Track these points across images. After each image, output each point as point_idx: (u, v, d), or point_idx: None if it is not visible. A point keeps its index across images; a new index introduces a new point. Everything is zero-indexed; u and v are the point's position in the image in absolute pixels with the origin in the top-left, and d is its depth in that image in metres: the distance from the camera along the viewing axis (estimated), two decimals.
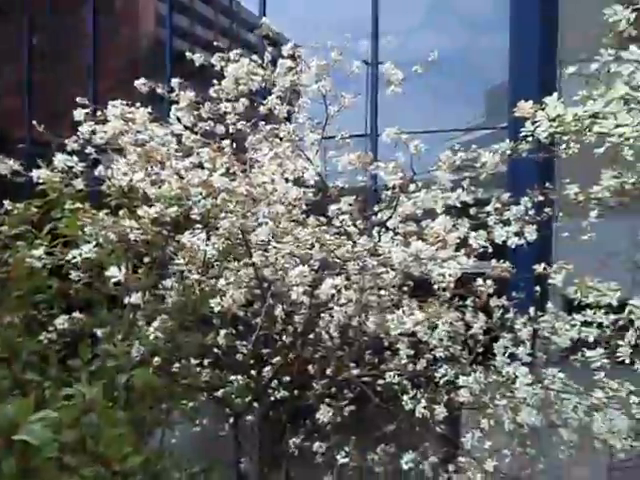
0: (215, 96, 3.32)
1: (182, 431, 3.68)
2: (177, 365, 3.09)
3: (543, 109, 2.10)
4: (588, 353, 2.71)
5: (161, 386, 2.67)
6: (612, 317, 2.91)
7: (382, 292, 2.97)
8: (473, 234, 3.01)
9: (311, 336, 3.38)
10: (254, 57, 3.24)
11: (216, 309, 2.69)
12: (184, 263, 2.83)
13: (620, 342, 2.88)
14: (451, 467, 3.50)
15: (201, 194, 2.61)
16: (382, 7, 9.29)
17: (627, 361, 2.77)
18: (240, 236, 2.71)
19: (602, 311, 2.99)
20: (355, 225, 3.06)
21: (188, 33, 11.56)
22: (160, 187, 2.83)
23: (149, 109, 3.14)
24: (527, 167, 5.34)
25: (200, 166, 2.82)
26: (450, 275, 2.25)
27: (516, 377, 2.57)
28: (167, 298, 3.07)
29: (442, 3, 10.16)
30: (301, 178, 2.78)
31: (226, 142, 3.16)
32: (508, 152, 3.11)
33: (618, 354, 2.78)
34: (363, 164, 2.87)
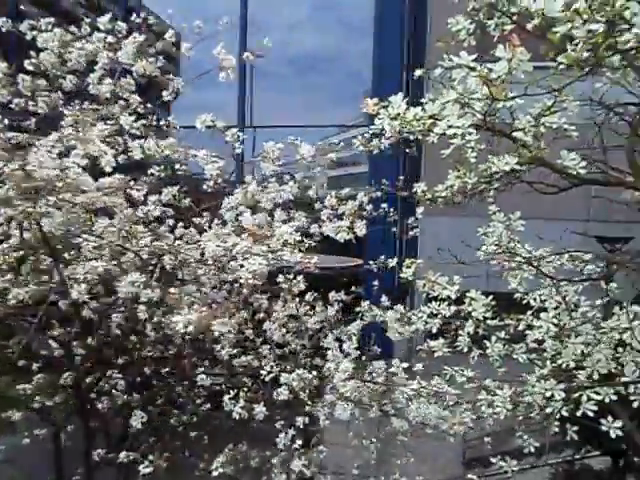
0: (35, 70, 3.03)
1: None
2: None
3: (386, 107, 2.14)
4: (431, 343, 2.85)
5: None
6: (453, 308, 3.09)
7: (202, 288, 2.89)
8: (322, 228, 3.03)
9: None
10: (72, 28, 3.01)
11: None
12: None
13: (461, 332, 3.07)
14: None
15: None
16: (254, 3, 9.22)
17: (465, 350, 2.95)
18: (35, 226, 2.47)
19: (446, 303, 3.16)
20: (187, 218, 2.95)
21: None
22: None
23: None
24: (390, 165, 5.57)
25: None
26: (253, 271, 2.22)
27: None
28: None
29: (324, 3, 10.32)
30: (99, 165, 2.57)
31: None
32: (361, 148, 3.17)
33: (457, 344, 2.95)
34: (185, 154, 2.76)
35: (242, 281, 2.16)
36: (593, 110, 2.42)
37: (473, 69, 1.98)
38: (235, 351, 3.10)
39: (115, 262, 2.23)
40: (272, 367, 2.77)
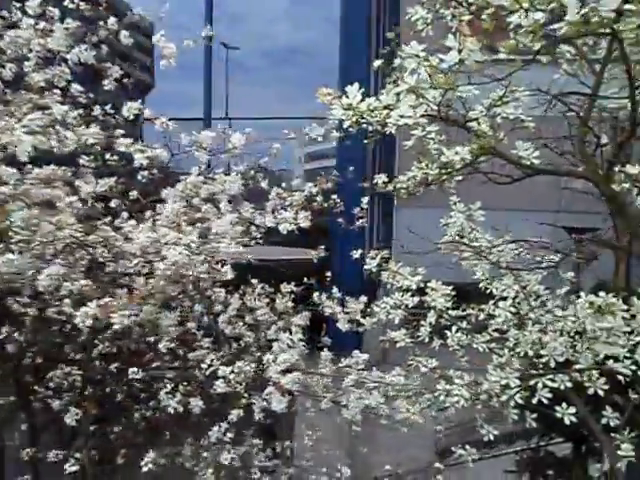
0: None
1: None
2: None
3: (339, 98, 2.12)
4: (392, 334, 2.86)
5: None
6: (416, 299, 3.10)
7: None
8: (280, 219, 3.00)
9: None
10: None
11: None
12: None
13: (423, 322, 3.09)
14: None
15: None
16: None
17: (427, 340, 2.97)
18: None
19: (409, 294, 3.18)
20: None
21: None
22: None
23: None
24: (358, 157, 5.55)
25: None
26: (175, 260, 2.17)
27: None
28: None
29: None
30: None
31: None
32: (320, 138, 3.16)
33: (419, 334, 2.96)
34: (107, 143, 2.70)
35: (159, 272, 2.13)
36: (539, 101, 2.44)
37: (425, 59, 1.97)
38: (173, 345, 3.07)
39: (37, 254, 2.18)
40: (212, 360, 2.75)
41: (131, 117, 2.69)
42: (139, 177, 2.91)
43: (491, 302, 3.15)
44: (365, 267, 3.54)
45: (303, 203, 3.26)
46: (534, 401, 2.44)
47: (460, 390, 2.47)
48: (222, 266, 2.87)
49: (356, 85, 2.43)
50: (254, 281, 3.54)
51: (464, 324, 3.08)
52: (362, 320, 3.03)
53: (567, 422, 2.42)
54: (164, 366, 3.07)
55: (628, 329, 2.23)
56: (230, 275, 2.72)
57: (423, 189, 3.03)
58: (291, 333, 2.59)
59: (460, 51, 1.93)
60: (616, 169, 2.79)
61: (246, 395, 2.51)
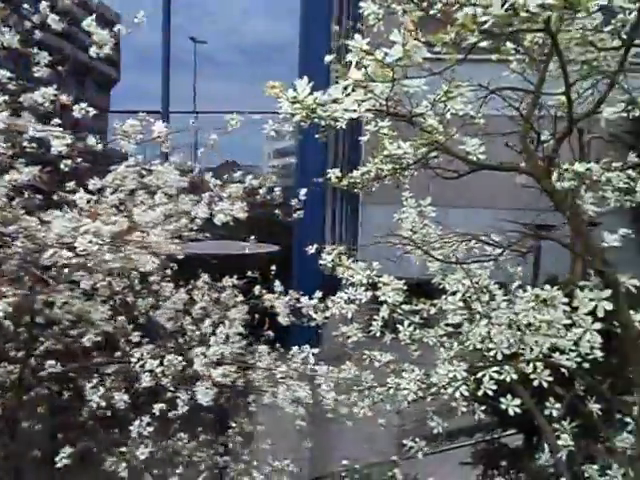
0: None
1: None
2: None
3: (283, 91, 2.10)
4: (343, 329, 2.87)
5: None
6: (369, 294, 3.12)
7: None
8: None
9: None
10: None
11: None
12: None
13: (376, 317, 3.11)
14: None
15: None
16: None
17: (378, 334, 2.99)
18: None
19: (363, 288, 3.19)
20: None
21: None
22: None
23: None
24: (318, 153, 5.55)
25: None
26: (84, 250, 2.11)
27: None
28: None
29: None
30: None
31: None
32: (272, 134, 3.14)
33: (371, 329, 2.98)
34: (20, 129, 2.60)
35: (64, 260, 2.08)
36: (477, 96, 2.48)
37: (369, 53, 1.97)
38: (99, 339, 3.03)
39: None
40: (142, 354, 2.72)
41: (47, 104, 2.62)
42: (62, 166, 2.84)
43: (443, 297, 3.18)
44: (320, 262, 3.55)
45: (241, 195, 3.23)
46: (480, 394, 2.48)
47: (409, 384, 2.49)
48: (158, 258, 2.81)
49: (305, 79, 2.43)
50: (205, 276, 3.52)
51: (416, 318, 3.11)
52: (314, 315, 3.04)
53: (512, 413, 2.47)
54: (93, 362, 3.01)
55: (569, 322, 2.27)
56: (150, 266, 2.68)
57: (378, 184, 3.06)
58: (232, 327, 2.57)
59: (405, 45, 1.94)
60: (564, 166, 2.86)
61: (172, 389, 2.49)
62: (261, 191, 3.35)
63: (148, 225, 2.34)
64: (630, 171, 2.95)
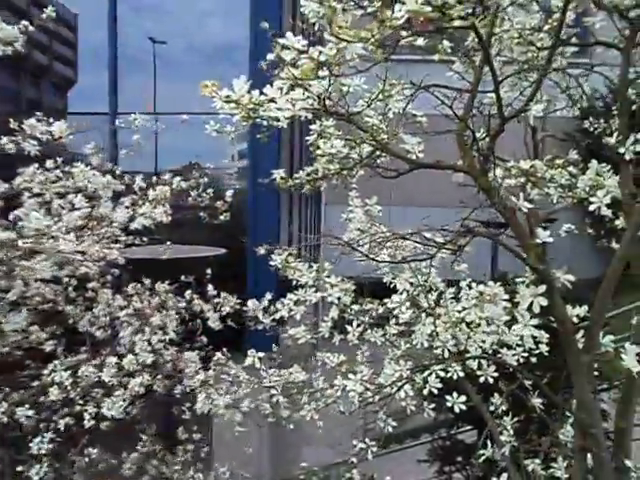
0: None
1: None
2: None
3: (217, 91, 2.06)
4: (291, 331, 2.83)
5: None
6: (319, 295, 3.09)
7: None
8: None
9: None
10: None
11: None
12: None
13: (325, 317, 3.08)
14: None
15: None
16: None
17: (327, 335, 2.96)
18: None
19: (312, 290, 3.16)
20: None
21: None
22: None
23: None
24: (271, 154, 5.50)
25: None
26: None
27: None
28: None
29: None
30: None
31: None
32: (214, 134, 3.08)
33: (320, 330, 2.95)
34: None
35: None
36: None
37: (302, 52, 1.94)
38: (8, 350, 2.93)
39: None
40: (56, 366, 2.64)
41: None
42: None
43: (394, 296, 3.18)
44: (270, 263, 3.51)
45: (166, 198, 3.16)
46: (426, 392, 2.48)
47: (355, 385, 2.47)
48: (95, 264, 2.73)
49: (242, 78, 2.38)
50: (147, 281, 3.43)
51: (366, 318, 3.10)
52: (261, 318, 3.00)
53: (457, 410, 2.48)
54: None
55: (507, 317, 2.29)
56: (49, 272, 2.59)
57: (326, 184, 3.04)
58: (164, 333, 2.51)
59: (337, 43, 1.92)
60: (510, 164, 2.89)
61: (81, 402, 2.41)
62: (193, 193, 3.29)
63: (61, 229, 2.25)
64: (572, 168, 3.02)
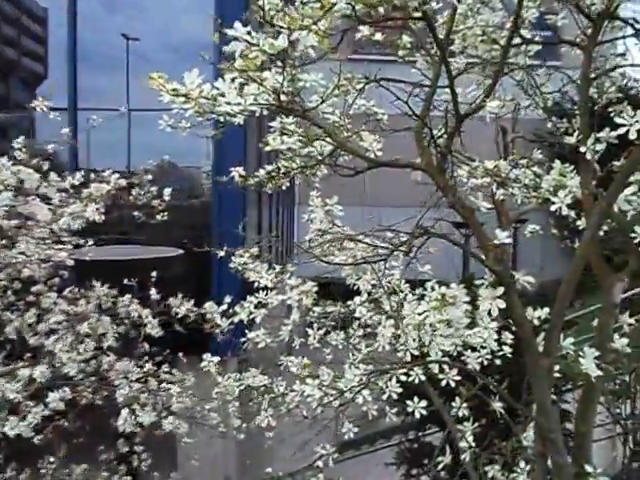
0: None
1: None
2: None
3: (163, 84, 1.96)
4: (250, 335, 2.74)
5: None
6: (280, 297, 3.01)
7: None
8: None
9: None
10: None
11: None
12: None
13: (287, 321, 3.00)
14: None
15: None
16: None
17: (286, 339, 2.88)
18: None
19: (273, 292, 3.08)
20: None
21: None
22: None
23: None
24: (236, 151, 5.36)
25: None
26: None
27: None
28: None
29: None
30: None
31: None
32: (168, 129, 2.97)
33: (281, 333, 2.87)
34: None
35: None
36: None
37: (252, 44, 1.86)
38: None
39: None
40: None
41: None
42: None
43: (357, 298, 3.12)
44: (230, 265, 3.42)
45: (102, 196, 3.04)
46: (385, 397, 2.42)
47: (313, 391, 2.39)
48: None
49: (195, 71, 2.28)
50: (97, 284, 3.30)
51: (328, 321, 3.03)
52: (219, 321, 2.90)
53: (418, 415, 2.42)
54: None
55: (467, 321, 2.23)
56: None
57: (289, 183, 2.96)
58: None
59: (289, 35, 1.84)
60: (475, 164, 2.85)
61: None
62: (134, 192, 3.17)
63: None
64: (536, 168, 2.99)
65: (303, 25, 1.54)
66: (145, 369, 2.70)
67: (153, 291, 3.05)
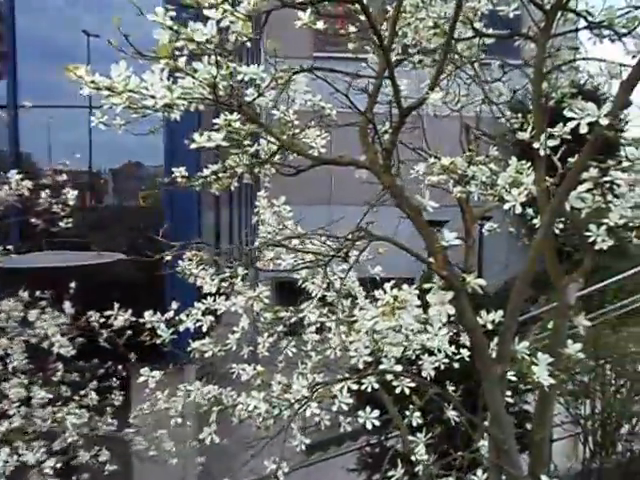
0: None
1: None
2: None
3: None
4: (194, 344, 2.59)
5: None
6: (228, 303, 2.86)
7: None
8: None
9: None
10: None
11: None
12: None
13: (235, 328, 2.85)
14: None
15: None
16: None
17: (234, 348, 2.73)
18: None
19: (222, 298, 2.92)
20: None
21: None
22: None
23: None
24: (189, 150, 5.15)
25: None
26: None
27: None
28: None
29: None
30: None
31: None
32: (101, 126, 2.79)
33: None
34: None
35: None
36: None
37: (175, 30, 1.71)
38: None
39: None
40: None
41: None
42: None
43: (309, 302, 2.98)
44: (177, 269, 3.24)
45: None
46: (335, 409, 2.29)
47: (258, 403, 2.25)
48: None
49: (122, 63, 2.12)
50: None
51: (279, 327, 2.89)
52: (160, 331, 2.72)
53: (369, 426, 2.29)
54: None
55: (417, 326, 2.13)
56: None
57: (238, 183, 2.80)
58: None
59: (218, 22, 1.70)
60: (432, 161, 2.74)
61: None
62: (43, 194, 2.97)
63: None
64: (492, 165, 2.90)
65: (218, 3, 1.38)
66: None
67: (67, 304, 2.85)
